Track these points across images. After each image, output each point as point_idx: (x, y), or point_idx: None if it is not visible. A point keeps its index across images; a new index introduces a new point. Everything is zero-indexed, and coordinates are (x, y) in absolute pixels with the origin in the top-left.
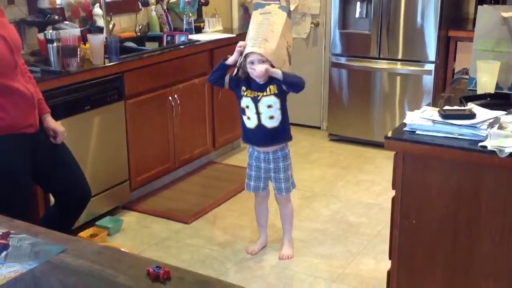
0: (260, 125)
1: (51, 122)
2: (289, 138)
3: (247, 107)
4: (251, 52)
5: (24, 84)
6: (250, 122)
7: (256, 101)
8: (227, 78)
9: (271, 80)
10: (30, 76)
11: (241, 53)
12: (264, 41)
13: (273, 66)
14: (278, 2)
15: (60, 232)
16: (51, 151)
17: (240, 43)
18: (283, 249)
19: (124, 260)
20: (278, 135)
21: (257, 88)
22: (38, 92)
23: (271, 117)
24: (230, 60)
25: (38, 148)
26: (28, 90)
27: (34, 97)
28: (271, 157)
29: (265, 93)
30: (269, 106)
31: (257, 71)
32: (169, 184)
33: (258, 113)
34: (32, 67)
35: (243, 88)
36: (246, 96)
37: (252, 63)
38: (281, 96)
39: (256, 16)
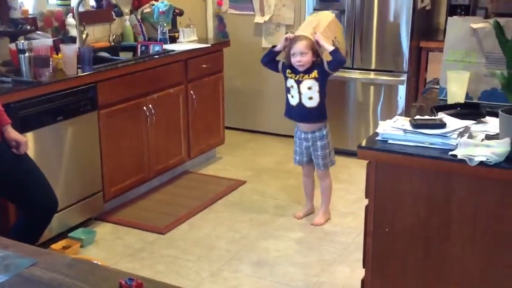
0: (300, 104)
1: (12, 132)
2: (325, 117)
3: (292, 87)
4: (295, 43)
5: None
6: (293, 99)
7: (298, 82)
8: (280, 64)
9: (312, 67)
10: None
11: (287, 39)
12: (311, 28)
13: (317, 55)
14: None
15: (29, 242)
16: (14, 162)
17: (289, 34)
18: (316, 217)
19: (96, 272)
20: (315, 115)
21: (299, 72)
22: None
23: (310, 98)
24: (278, 47)
25: (1, 160)
26: None
27: None
28: (309, 137)
29: (306, 77)
30: (309, 88)
31: (301, 60)
32: (144, 195)
33: (299, 93)
34: (3, 77)
35: (288, 71)
36: (291, 78)
37: (293, 54)
38: (321, 80)
39: (307, 18)
